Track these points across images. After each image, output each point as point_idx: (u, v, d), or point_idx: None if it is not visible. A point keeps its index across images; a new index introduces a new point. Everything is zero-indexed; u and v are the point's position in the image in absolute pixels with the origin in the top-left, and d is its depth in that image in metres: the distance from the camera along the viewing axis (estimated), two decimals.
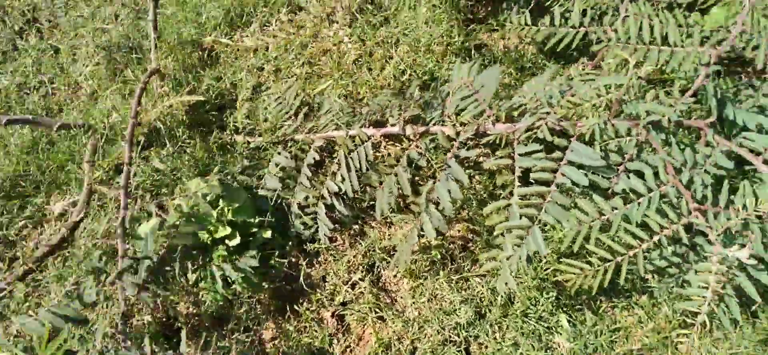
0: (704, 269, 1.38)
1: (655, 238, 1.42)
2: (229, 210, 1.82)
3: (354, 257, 1.92)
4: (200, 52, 2.38)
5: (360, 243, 1.95)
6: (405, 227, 1.96)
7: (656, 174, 1.46)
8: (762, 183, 1.45)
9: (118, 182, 2.03)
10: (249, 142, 2.11)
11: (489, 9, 2.31)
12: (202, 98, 2.13)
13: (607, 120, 1.53)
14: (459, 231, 1.94)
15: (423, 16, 2.29)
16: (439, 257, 1.87)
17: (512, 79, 2.12)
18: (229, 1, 2.48)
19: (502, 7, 2.26)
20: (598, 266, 1.50)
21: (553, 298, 1.76)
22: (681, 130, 1.60)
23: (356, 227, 1.99)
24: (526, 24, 1.98)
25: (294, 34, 2.43)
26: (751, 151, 1.45)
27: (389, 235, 1.97)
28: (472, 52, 2.22)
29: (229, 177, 1.99)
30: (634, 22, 1.73)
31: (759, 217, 1.35)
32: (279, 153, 2.01)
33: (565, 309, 1.78)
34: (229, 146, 2.12)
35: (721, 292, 1.36)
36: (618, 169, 1.52)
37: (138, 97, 1.99)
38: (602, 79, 1.62)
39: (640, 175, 1.48)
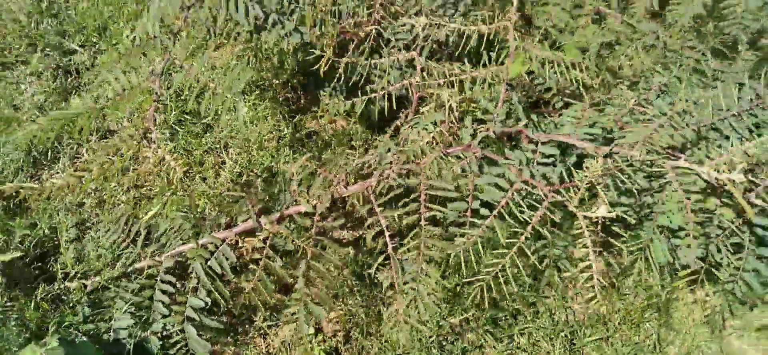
0: (579, 237, 1.50)
1: (529, 228, 1.52)
2: None
3: None
4: (3, 202, 2.11)
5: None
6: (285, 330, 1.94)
7: (505, 177, 1.61)
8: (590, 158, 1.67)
9: None
10: (85, 286, 1.91)
11: (309, 98, 2.43)
12: (18, 253, 1.88)
13: (443, 152, 1.69)
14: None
15: (245, 116, 2.32)
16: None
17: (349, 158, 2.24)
18: (27, 139, 2.25)
19: (321, 94, 2.40)
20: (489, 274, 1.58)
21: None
22: (504, 139, 1.83)
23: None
24: (344, 108, 2.13)
25: (110, 161, 2.28)
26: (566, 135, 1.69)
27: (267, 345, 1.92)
28: (304, 140, 2.31)
29: (71, 331, 1.77)
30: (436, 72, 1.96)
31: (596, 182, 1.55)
32: (123, 287, 1.86)
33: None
34: (63, 297, 1.89)
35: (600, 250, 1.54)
36: (469, 191, 1.66)
37: None
38: (427, 118, 1.81)
39: (490, 186, 1.63)
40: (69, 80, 2.55)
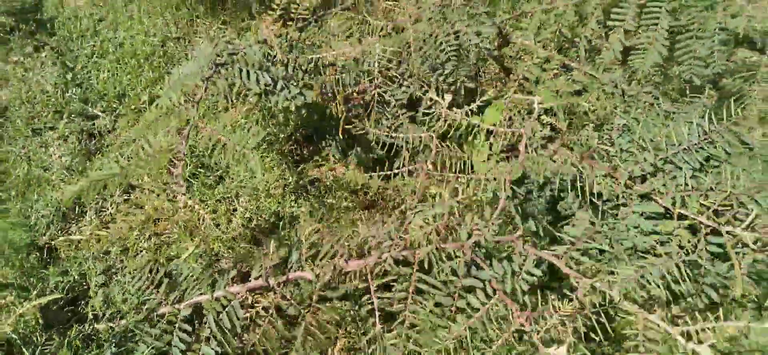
0: None
1: (494, 347, 1.63)
2: None
3: None
4: (37, 253, 2.32)
5: None
6: None
7: (485, 290, 1.71)
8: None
9: None
10: (113, 328, 2.10)
11: (311, 148, 2.68)
12: (53, 296, 2.09)
13: (437, 246, 1.87)
14: None
15: (257, 167, 2.56)
16: None
17: (349, 203, 2.47)
18: (58, 196, 2.48)
19: (322, 145, 2.65)
20: None
21: None
22: (498, 245, 1.98)
23: None
24: (343, 159, 2.37)
25: (133, 212, 2.50)
26: (555, 256, 1.74)
27: None
28: (307, 187, 2.54)
29: None
30: (439, 156, 2.17)
31: (568, 316, 1.59)
32: (146, 331, 2.04)
33: None
34: (92, 337, 2.08)
35: None
36: (456, 290, 1.75)
37: None
38: (427, 211, 1.99)
39: (471, 290, 1.73)
40: (92, 142, 2.80)
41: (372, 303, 1.77)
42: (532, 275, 1.72)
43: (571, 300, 1.59)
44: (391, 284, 1.86)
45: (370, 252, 1.91)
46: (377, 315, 1.76)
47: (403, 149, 2.12)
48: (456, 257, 1.83)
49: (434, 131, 1.99)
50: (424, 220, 1.83)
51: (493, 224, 1.77)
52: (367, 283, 1.82)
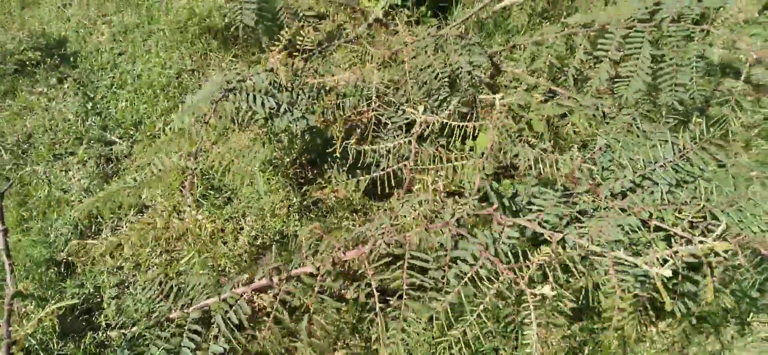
0: (526, 309, 1.81)
1: (487, 298, 1.87)
2: None
3: None
4: (56, 268, 2.47)
5: None
6: None
7: (473, 256, 1.95)
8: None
9: None
10: (125, 334, 2.23)
11: (315, 171, 2.83)
12: (72, 302, 2.23)
13: (425, 228, 2.05)
14: None
15: (262, 189, 2.72)
16: None
17: (349, 222, 2.60)
18: (77, 215, 2.64)
19: (325, 168, 2.80)
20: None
21: None
22: (477, 219, 2.18)
23: None
24: (346, 180, 2.53)
25: (145, 230, 2.65)
26: (528, 220, 2.04)
27: None
28: (310, 207, 2.68)
29: None
30: (426, 156, 2.36)
31: (549, 263, 1.86)
32: (157, 335, 2.17)
33: None
34: (106, 344, 2.21)
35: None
36: (445, 263, 2.00)
37: (7, 318, 2.03)
38: (413, 199, 2.17)
39: (458, 259, 1.98)
40: (110, 166, 2.97)
41: (371, 285, 1.90)
42: (511, 237, 1.91)
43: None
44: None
45: (365, 243, 2.06)
46: (376, 296, 1.88)
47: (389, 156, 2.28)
48: (442, 234, 1.99)
49: (413, 135, 2.16)
50: (411, 207, 1.98)
51: (472, 198, 1.94)
52: (364, 268, 1.95)
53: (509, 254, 1.95)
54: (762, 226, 1.88)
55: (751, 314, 2.30)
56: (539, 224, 2.01)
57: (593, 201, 2.05)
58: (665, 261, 1.68)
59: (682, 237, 1.90)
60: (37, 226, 2.64)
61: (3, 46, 3.61)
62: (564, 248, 1.90)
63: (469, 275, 1.90)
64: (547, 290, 1.79)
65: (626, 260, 1.75)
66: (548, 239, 1.91)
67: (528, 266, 1.84)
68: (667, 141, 2.08)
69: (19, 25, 3.82)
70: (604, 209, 2.02)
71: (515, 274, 1.86)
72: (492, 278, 1.90)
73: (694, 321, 2.32)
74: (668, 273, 1.66)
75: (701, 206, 1.92)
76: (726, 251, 1.83)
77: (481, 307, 1.86)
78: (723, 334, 2.30)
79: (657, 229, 1.92)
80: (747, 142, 3.03)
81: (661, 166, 2.02)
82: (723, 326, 2.30)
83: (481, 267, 1.92)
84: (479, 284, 1.88)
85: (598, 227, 1.89)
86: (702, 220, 1.92)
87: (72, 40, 3.70)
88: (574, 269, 1.81)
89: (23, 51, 3.57)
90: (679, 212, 1.94)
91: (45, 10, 3.95)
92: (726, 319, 2.30)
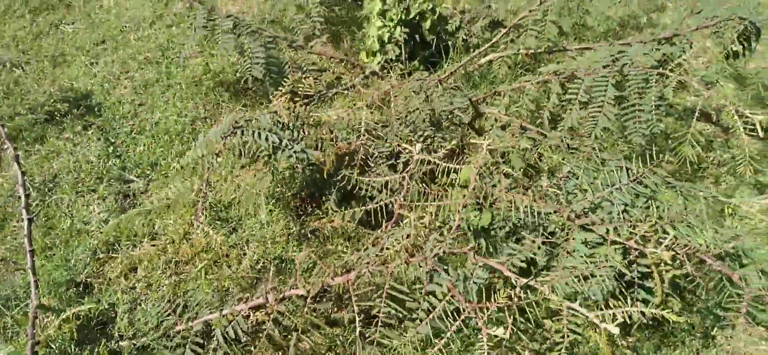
0: (478, 349, 1.94)
1: (447, 335, 1.98)
2: None
3: None
4: (75, 288, 2.71)
5: None
6: None
7: (443, 292, 2.05)
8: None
9: None
10: (135, 344, 2.44)
11: (314, 205, 3.09)
12: (89, 306, 2.46)
13: (405, 261, 2.24)
14: None
15: (264, 219, 2.98)
16: None
17: (343, 248, 2.84)
18: (96, 243, 2.91)
19: (322, 201, 3.06)
20: None
21: None
22: (455, 256, 2.35)
23: None
24: (340, 210, 2.78)
25: (157, 255, 2.91)
26: (499, 263, 2.13)
27: None
28: (308, 235, 2.93)
29: None
30: (414, 192, 2.60)
31: (508, 306, 1.99)
32: (164, 345, 2.39)
33: None
34: (117, 352, 2.42)
35: None
36: (421, 295, 2.12)
37: (31, 323, 2.26)
38: (397, 232, 2.40)
39: (433, 293, 2.09)
40: (127, 201, 3.26)
41: (354, 310, 2.11)
42: (480, 277, 2.07)
43: (507, 290, 1.93)
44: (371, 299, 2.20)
45: (351, 271, 2.28)
46: (358, 319, 2.09)
47: (382, 191, 2.53)
48: (420, 268, 2.19)
49: (406, 173, 2.41)
50: (395, 240, 2.20)
51: (450, 238, 2.16)
52: (349, 294, 2.17)
53: (473, 294, 2.07)
54: (707, 238, 2.10)
55: (715, 328, 2.48)
56: (509, 267, 2.13)
57: (559, 220, 2.28)
58: (614, 317, 1.82)
59: (635, 249, 2.12)
60: (59, 252, 2.90)
61: (35, 98, 3.98)
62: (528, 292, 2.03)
63: (437, 310, 2.02)
64: (500, 331, 1.89)
65: (579, 311, 1.90)
66: (514, 282, 2.00)
67: (488, 307, 1.96)
68: (622, 167, 2.33)
69: (50, 81, 4.21)
70: (569, 228, 2.25)
71: (476, 314, 1.98)
72: (454, 314, 2.00)
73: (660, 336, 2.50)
74: (616, 331, 1.77)
75: (653, 221, 2.15)
76: (673, 259, 2.05)
77: (443, 341, 1.98)
78: (689, 347, 2.47)
79: (613, 243, 2.15)
80: (716, 178, 3.27)
81: (618, 188, 2.27)
82: (688, 340, 2.48)
83: (448, 303, 2.06)
84: (444, 319, 2.03)
85: (559, 276, 2.03)
86: (654, 234, 2.14)
87: (97, 93, 4.07)
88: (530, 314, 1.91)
89: (53, 103, 3.93)
90: (634, 228, 2.16)
91: (74, 68, 4.35)
92: (690, 333, 2.48)
